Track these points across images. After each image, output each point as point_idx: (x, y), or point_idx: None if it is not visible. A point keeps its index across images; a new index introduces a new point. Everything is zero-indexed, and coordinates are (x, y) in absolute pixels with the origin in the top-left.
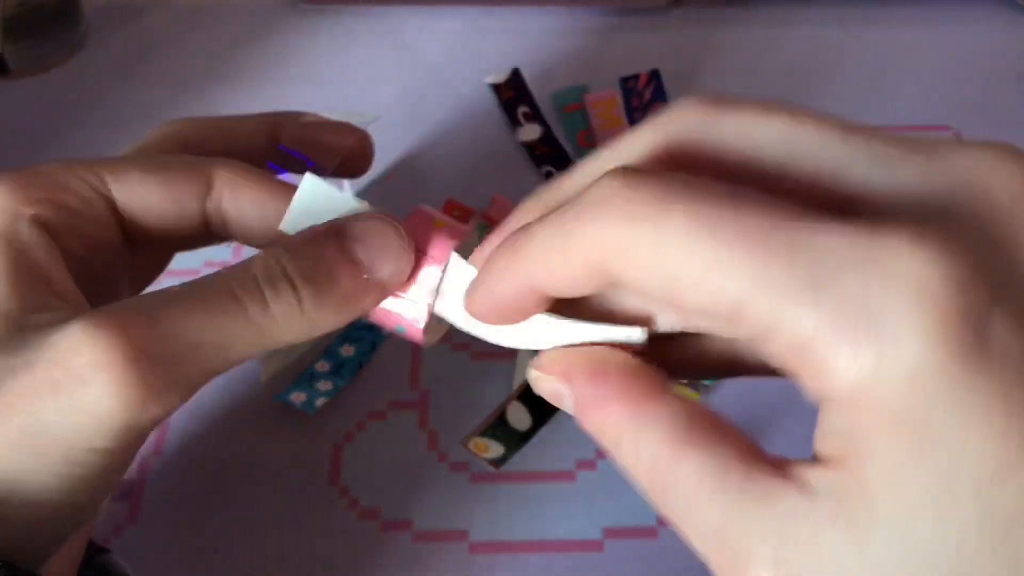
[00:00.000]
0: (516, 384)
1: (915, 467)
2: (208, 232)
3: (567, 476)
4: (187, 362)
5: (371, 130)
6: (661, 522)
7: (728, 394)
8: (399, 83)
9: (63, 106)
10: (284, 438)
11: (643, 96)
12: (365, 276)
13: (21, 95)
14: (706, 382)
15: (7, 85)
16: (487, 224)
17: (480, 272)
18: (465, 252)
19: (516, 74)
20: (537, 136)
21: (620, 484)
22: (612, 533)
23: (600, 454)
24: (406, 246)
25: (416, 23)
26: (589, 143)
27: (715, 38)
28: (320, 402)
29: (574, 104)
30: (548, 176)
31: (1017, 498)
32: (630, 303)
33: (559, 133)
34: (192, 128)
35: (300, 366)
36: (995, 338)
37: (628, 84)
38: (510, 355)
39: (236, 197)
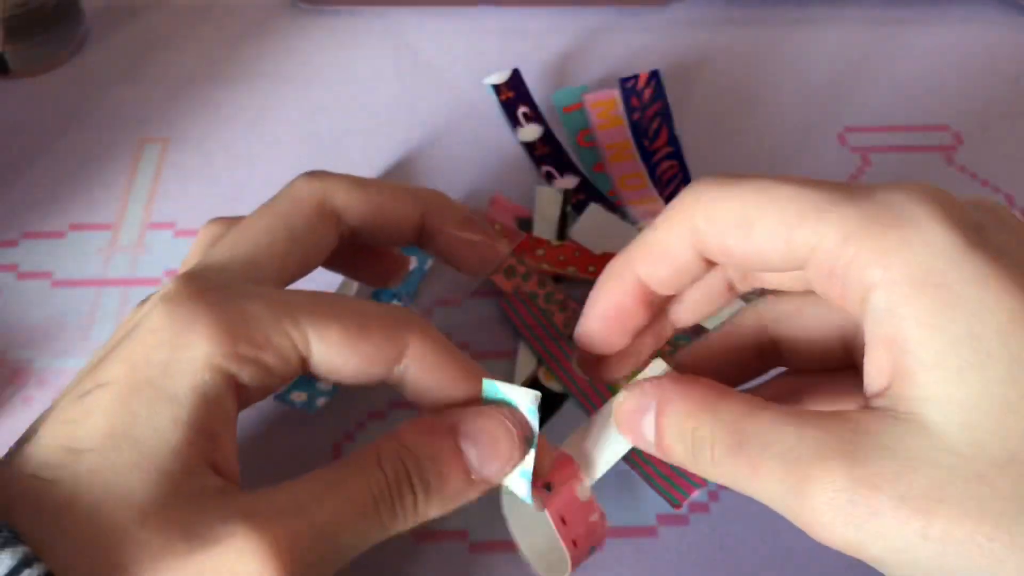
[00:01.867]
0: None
1: (943, 322)
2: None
3: None
4: (329, 562)
5: (371, 130)
6: (661, 522)
7: None
8: (399, 83)
9: (63, 106)
10: (284, 437)
11: (643, 96)
12: (473, 476)
13: (21, 95)
14: None
15: (7, 85)
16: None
17: (588, 300)
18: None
19: (516, 74)
20: (537, 136)
21: (620, 484)
22: (612, 533)
23: None
24: (517, 446)
25: (416, 23)
26: (589, 143)
27: (715, 38)
28: (320, 401)
29: (574, 104)
30: (548, 176)
31: None
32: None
33: (559, 133)
34: (342, 193)
35: None
36: (991, 238)
37: (628, 84)
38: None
39: (425, 373)
